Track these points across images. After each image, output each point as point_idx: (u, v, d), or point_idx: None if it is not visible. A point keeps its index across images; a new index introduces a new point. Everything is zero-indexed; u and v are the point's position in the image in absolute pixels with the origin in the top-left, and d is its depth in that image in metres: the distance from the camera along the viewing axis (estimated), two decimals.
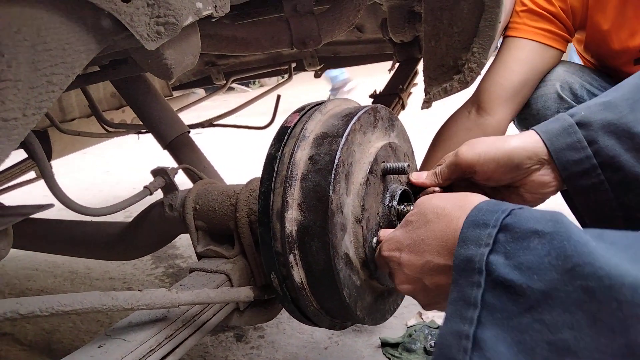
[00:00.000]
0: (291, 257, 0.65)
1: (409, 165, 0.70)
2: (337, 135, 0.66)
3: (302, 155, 0.66)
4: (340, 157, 0.64)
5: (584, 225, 0.71)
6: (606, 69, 1.40)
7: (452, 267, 0.51)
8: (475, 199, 0.54)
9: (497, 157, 0.65)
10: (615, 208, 0.62)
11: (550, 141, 0.63)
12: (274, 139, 0.70)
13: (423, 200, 0.58)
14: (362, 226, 0.66)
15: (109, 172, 4.08)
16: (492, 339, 0.46)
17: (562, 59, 1.31)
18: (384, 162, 0.70)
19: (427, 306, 0.60)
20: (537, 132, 0.64)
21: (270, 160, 0.68)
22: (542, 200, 0.68)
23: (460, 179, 0.69)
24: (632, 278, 0.41)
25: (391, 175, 0.72)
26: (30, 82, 0.44)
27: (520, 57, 1.21)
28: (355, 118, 0.67)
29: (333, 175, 0.63)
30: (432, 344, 1.18)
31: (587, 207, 0.64)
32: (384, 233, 0.66)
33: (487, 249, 0.48)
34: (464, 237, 0.51)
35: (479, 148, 0.66)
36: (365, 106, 0.72)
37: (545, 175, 0.64)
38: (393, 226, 0.72)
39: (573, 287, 0.43)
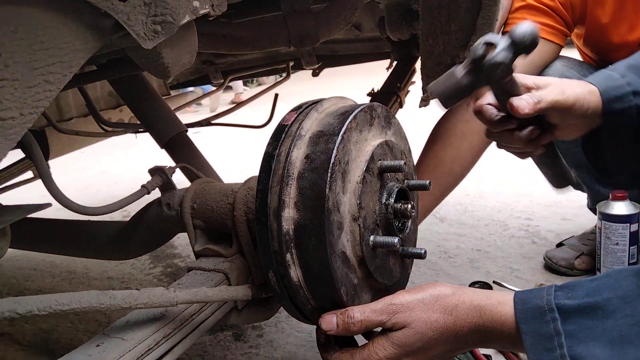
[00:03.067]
0: (288, 256, 0.65)
1: (405, 163, 0.70)
2: (333, 134, 0.66)
3: (298, 153, 0.66)
4: (336, 155, 0.64)
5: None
6: (605, 63, 1.40)
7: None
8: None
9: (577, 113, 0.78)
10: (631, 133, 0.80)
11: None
12: (272, 138, 0.70)
13: (414, 319, 0.65)
14: (359, 224, 0.67)
15: (107, 171, 4.07)
16: (585, 350, 0.54)
17: (560, 54, 1.32)
18: (380, 160, 0.71)
19: None
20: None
21: (268, 159, 0.68)
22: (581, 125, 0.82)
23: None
24: None
25: (388, 174, 0.73)
26: (27, 81, 0.44)
27: None
28: (352, 116, 0.68)
29: (329, 174, 0.63)
30: None
31: (610, 129, 0.81)
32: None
33: (551, 297, 0.58)
34: (522, 299, 0.60)
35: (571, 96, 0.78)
36: (362, 104, 0.72)
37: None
38: (390, 225, 0.72)
39: None
